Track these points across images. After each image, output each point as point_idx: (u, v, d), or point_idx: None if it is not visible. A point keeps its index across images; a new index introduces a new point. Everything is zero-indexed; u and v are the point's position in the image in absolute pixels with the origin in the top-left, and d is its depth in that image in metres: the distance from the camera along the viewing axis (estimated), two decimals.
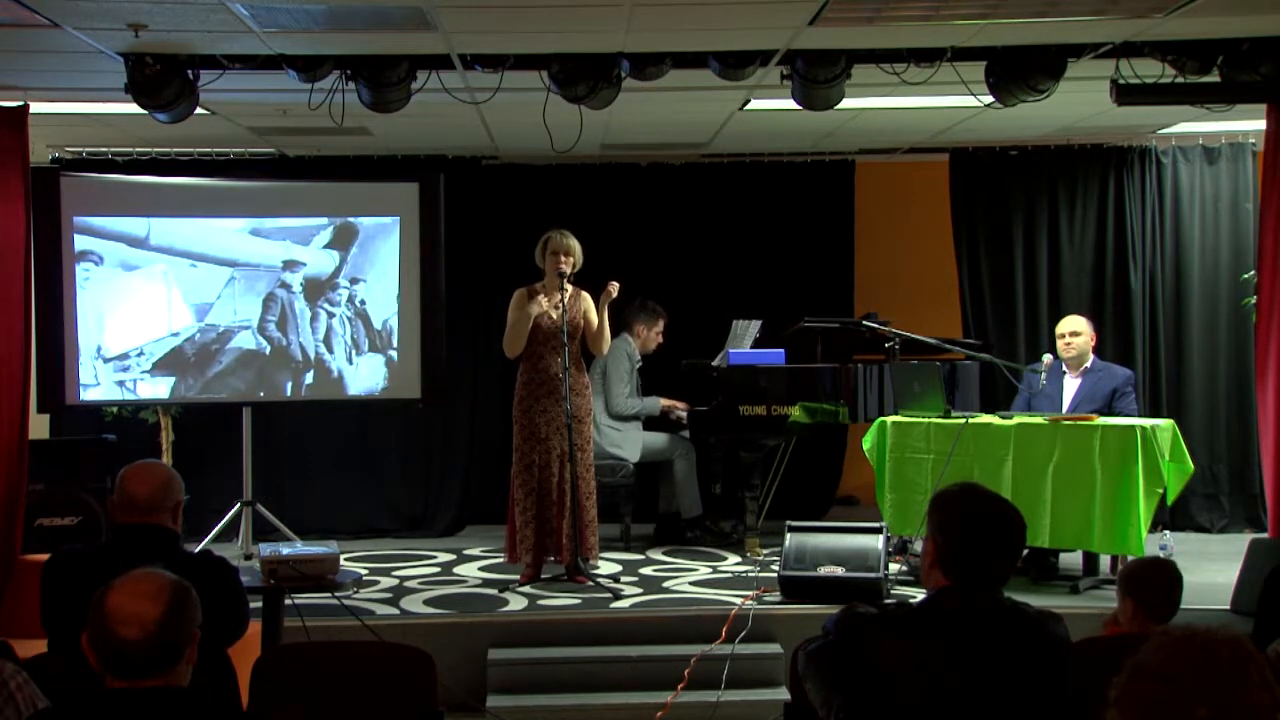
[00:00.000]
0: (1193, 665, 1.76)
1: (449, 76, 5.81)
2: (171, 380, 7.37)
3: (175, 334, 7.37)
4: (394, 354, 7.59)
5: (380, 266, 7.59)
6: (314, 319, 7.53)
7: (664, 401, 7.69)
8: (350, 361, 7.57)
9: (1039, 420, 6.31)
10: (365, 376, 7.60)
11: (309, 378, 7.53)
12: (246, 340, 7.43)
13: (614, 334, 7.45)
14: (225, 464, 7.68)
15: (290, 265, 7.51)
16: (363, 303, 7.58)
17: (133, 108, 5.81)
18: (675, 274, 8.54)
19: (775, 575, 6.08)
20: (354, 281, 7.58)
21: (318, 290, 7.54)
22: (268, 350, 7.46)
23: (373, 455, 8.41)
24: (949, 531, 2.83)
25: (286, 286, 7.50)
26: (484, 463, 8.47)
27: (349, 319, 7.58)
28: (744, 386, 7.12)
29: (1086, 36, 5.54)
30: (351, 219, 7.57)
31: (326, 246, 7.56)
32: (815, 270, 8.77)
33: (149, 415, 7.80)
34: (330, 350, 7.55)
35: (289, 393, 7.52)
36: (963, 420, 6.34)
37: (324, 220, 7.54)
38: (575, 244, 6.43)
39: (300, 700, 3.44)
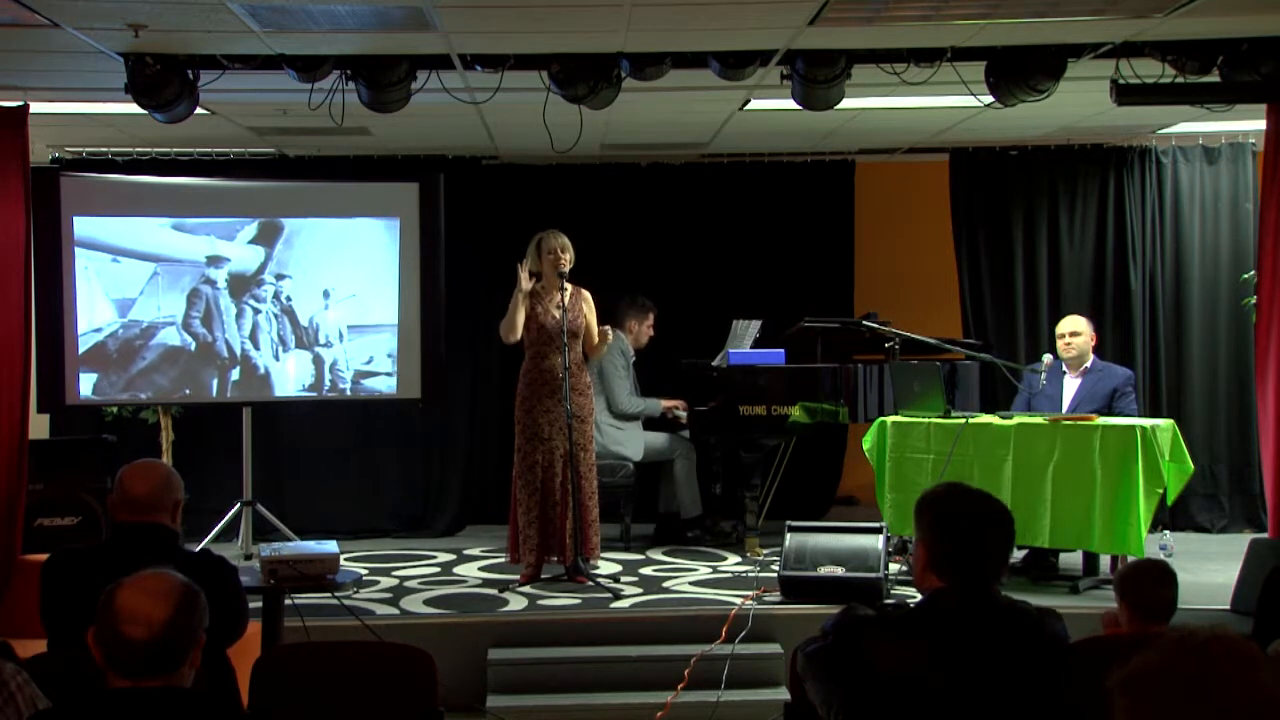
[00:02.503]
0: (1194, 667, 1.76)
1: (449, 76, 5.81)
2: (94, 377, 7.33)
3: (97, 330, 7.32)
4: (321, 350, 7.56)
5: (305, 263, 7.54)
6: (239, 315, 7.48)
7: (664, 403, 7.70)
8: (277, 358, 7.53)
9: (1039, 420, 6.31)
10: (292, 373, 7.55)
11: (235, 374, 7.48)
12: (171, 337, 7.39)
13: None
14: (225, 464, 7.69)
15: (214, 261, 7.47)
16: (288, 299, 7.54)
17: (133, 108, 5.81)
18: (675, 274, 8.54)
19: (775, 575, 6.08)
20: (279, 277, 7.53)
21: (243, 286, 7.49)
22: (193, 347, 7.43)
23: (373, 455, 8.41)
24: (938, 533, 2.82)
25: (211, 282, 7.45)
26: (484, 463, 8.48)
27: (275, 315, 7.53)
28: (744, 386, 7.12)
29: (1086, 36, 5.54)
30: (279, 218, 7.53)
31: (251, 242, 7.52)
32: (815, 270, 8.77)
33: (149, 415, 7.80)
34: (256, 347, 7.50)
35: (214, 390, 7.47)
36: (963, 420, 6.34)
37: (249, 216, 7.51)
38: (568, 241, 6.45)
39: (300, 700, 3.44)
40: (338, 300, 7.60)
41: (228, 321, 7.47)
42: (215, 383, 7.47)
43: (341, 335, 7.60)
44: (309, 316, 7.58)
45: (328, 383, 7.59)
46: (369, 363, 7.65)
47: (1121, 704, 1.79)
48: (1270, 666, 1.78)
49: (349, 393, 7.65)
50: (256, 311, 7.51)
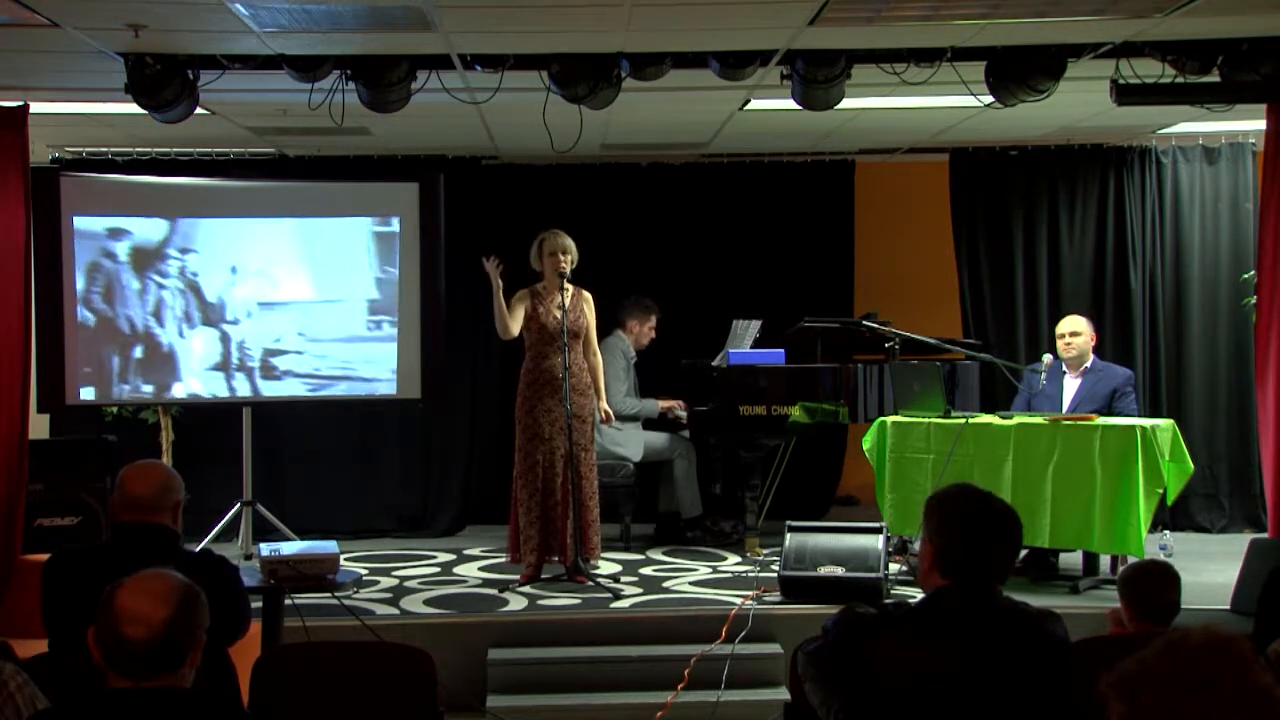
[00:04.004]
0: (1187, 667, 1.76)
1: (449, 76, 5.82)
2: None
3: None
4: (228, 328, 7.39)
5: (211, 237, 7.38)
6: (143, 291, 7.29)
7: (662, 403, 7.70)
8: (182, 335, 7.35)
9: (1039, 420, 6.31)
10: (198, 351, 7.37)
11: (138, 352, 7.29)
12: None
13: (607, 332, 7.46)
14: (225, 464, 7.68)
15: (115, 233, 7.26)
16: (194, 274, 7.35)
17: (133, 108, 5.81)
18: (675, 274, 8.54)
19: (775, 575, 6.08)
20: (184, 251, 7.34)
21: (146, 260, 7.30)
22: (93, 323, 7.23)
23: (373, 455, 8.40)
24: (946, 534, 2.83)
25: (111, 256, 7.26)
26: (484, 463, 8.47)
27: (180, 291, 7.34)
28: (744, 386, 7.12)
29: (1086, 36, 5.54)
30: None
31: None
32: (815, 270, 8.77)
33: (149, 415, 7.80)
34: (161, 324, 7.32)
35: (116, 368, 7.25)
36: (963, 420, 6.34)
37: None
38: (570, 242, 6.46)
39: (300, 700, 3.44)
40: (245, 275, 7.42)
41: (130, 297, 7.28)
42: (116, 361, 7.27)
43: (250, 313, 7.44)
44: (215, 293, 7.39)
45: (235, 361, 7.41)
46: (278, 341, 7.48)
47: (1116, 706, 1.79)
48: (1263, 665, 1.79)
49: (258, 372, 7.43)
50: (161, 287, 7.30)
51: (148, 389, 7.41)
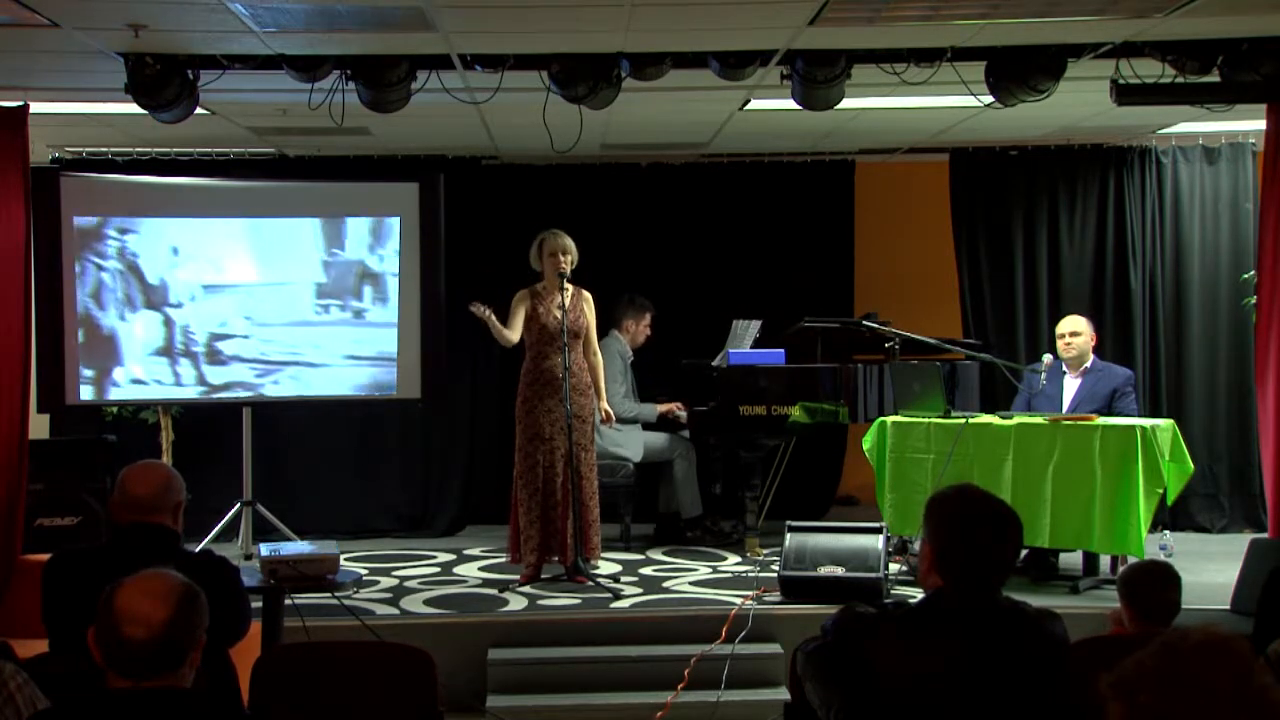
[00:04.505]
0: (1186, 668, 1.76)
1: (449, 76, 5.82)
2: None
3: None
4: (171, 311, 7.20)
5: (149, 218, 7.23)
6: (81, 273, 7.09)
7: (660, 407, 7.69)
8: (123, 319, 7.17)
9: (1039, 420, 6.31)
10: (140, 336, 7.20)
11: (79, 337, 7.11)
12: None
13: (603, 333, 7.46)
14: (225, 464, 7.68)
15: None
16: (134, 255, 7.17)
17: (133, 108, 5.81)
18: (675, 274, 8.54)
19: (775, 575, 6.08)
20: (123, 232, 7.16)
21: (83, 241, 7.10)
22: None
23: (373, 455, 8.40)
24: (946, 534, 2.83)
25: None
26: (484, 463, 8.47)
27: (120, 273, 7.16)
28: (744, 386, 7.12)
29: (1086, 36, 5.54)
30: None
31: None
32: (815, 270, 8.77)
33: (149, 415, 7.80)
34: (101, 307, 7.13)
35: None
36: (963, 420, 6.35)
37: None
38: (570, 242, 6.46)
39: (300, 700, 3.44)
40: (187, 257, 7.23)
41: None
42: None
43: (194, 296, 7.28)
44: (157, 275, 7.22)
45: (179, 346, 7.26)
46: (223, 325, 7.33)
47: (1115, 707, 1.79)
48: (1262, 665, 1.79)
49: (203, 358, 7.27)
50: (100, 269, 7.11)
51: (89, 374, 7.24)
